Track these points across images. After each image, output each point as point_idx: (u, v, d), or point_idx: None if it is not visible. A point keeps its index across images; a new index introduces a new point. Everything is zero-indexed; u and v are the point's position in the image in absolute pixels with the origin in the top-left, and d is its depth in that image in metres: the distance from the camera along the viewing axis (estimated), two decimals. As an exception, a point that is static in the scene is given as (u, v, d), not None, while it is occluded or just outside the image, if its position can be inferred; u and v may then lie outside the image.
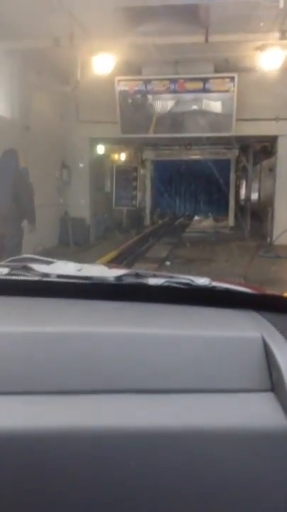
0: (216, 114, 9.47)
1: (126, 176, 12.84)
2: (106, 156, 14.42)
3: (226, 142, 12.56)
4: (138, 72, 9.46)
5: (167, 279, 0.93)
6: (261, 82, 9.75)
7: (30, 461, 0.65)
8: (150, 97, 9.45)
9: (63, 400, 0.68)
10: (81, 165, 10.68)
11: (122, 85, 9.39)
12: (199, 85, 9.09)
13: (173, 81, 9.14)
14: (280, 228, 10.24)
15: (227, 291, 0.94)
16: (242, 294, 0.96)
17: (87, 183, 11.00)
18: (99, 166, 14.42)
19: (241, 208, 14.78)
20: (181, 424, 0.67)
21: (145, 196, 15.02)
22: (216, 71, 9.27)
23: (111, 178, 13.18)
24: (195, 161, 14.90)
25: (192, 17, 6.65)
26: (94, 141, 11.11)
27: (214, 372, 0.72)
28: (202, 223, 16.89)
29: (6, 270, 0.97)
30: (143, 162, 14.78)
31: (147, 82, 9.26)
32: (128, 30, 7.45)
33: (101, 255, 8.68)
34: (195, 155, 14.60)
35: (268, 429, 0.68)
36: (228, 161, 14.41)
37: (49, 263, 1.02)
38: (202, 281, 0.92)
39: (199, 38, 6.89)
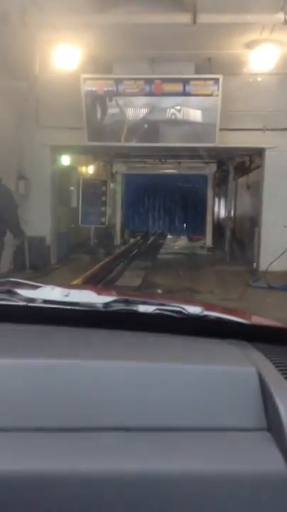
0: (197, 121, 8.28)
1: (94, 190, 11.50)
2: (72, 167, 13.07)
3: (204, 156, 11.45)
4: (109, 70, 8.18)
5: (157, 307, 0.90)
6: (247, 87, 8.69)
7: (16, 506, 0.60)
8: (121, 99, 8.16)
9: (47, 437, 0.65)
10: (41, 176, 9.25)
11: (89, 85, 8.08)
12: (179, 87, 7.89)
13: (149, 81, 7.90)
14: (268, 251, 9.08)
15: (219, 320, 0.91)
16: (235, 323, 0.92)
17: (49, 197, 9.57)
18: (64, 178, 13.01)
19: (219, 228, 13.66)
20: (173, 466, 0.63)
21: (115, 212, 13.69)
22: (197, 72, 8.10)
23: (78, 192, 11.81)
24: (170, 176, 13.73)
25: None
26: (57, 150, 9.72)
27: (207, 409, 0.69)
28: (177, 242, 15.68)
29: None
30: (113, 175, 13.49)
31: (118, 81, 7.98)
32: (98, 12, 6.18)
33: (62, 282, 7.25)
34: (169, 169, 13.42)
35: (264, 473, 0.63)
36: (205, 176, 13.30)
37: (35, 287, 0.99)
38: (194, 309, 0.89)
39: (186, 19, 5.66)
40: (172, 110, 8.18)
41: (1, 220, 5.57)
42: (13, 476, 0.60)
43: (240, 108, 8.66)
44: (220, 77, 7.77)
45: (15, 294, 0.93)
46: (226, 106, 8.23)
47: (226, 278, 8.23)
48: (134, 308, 0.89)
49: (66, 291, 0.95)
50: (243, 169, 12.48)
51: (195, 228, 14.59)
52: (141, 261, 10.99)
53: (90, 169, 13.23)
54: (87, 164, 13.12)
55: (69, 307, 0.89)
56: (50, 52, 7.56)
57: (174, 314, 0.88)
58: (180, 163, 12.78)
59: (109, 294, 1.04)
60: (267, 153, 8.99)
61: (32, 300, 0.91)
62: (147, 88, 7.91)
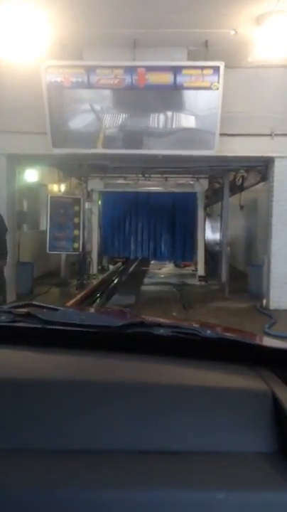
0: (192, 123, 6.56)
1: (65, 210, 9.62)
2: (41, 184, 11.25)
3: (194, 171, 9.75)
4: (78, 56, 6.43)
5: (173, 329, 0.91)
6: (252, 82, 7.05)
7: None
8: (95, 93, 6.39)
9: (62, 458, 0.64)
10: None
11: (53, 74, 6.29)
12: (169, 78, 6.17)
13: (130, 70, 6.16)
14: (279, 285, 7.32)
15: (234, 343, 0.91)
16: (250, 346, 0.91)
17: (5, 219, 7.61)
18: (30, 197, 11.20)
19: (212, 254, 11.89)
20: (183, 490, 0.61)
21: (91, 237, 11.81)
22: (190, 60, 6.41)
23: (46, 213, 9.94)
24: (155, 194, 11.98)
25: None
26: (17, 161, 7.84)
27: (220, 431, 0.69)
28: (162, 269, 13.83)
29: (9, 316, 0.97)
30: (88, 194, 11.66)
31: (90, 69, 6.22)
32: None
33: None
34: (154, 186, 11.68)
35: (278, 498, 0.61)
36: (195, 194, 11.58)
37: (53, 310, 1.03)
38: (209, 332, 0.91)
39: None
40: (160, 107, 6.44)
41: None
42: (23, 498, 0.58)
43: (243, 108, 7.00)
44: (221, 64, 6.08)
45: (35, 316, 0.95)
46: (225, 106, 6.55)
47: (232, 321, 6.38)
48: (150, 330, 0.90)
49: (83, 313, 1.06)
50: (234, 187, 10.85)
51: (184, 254, 12.79)
52: (122, 295, 9.08)
53: (63, 187, 11.41)
54: (59, 181, 11.30)
55: (87, 329, 0.91)
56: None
57: (189, 337, 0.89)
58: (166, 178, 11.06)
59: (125, 317, 1.16)
60: (277, 163, 7.30)
61: (50, 323, 0.92)
62: (127, 79, 6.16)
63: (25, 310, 1.00)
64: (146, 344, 0.88)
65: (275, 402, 0.70)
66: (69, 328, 0.90)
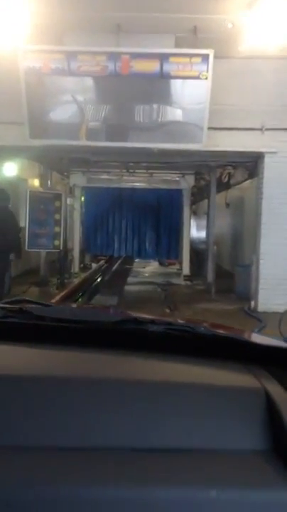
0: (179, 114, 6.21)
1: (45, 206, 9.18)
2: (21, 179, 10.77)
3: (180, 166, 9.42)
4: (58, 41, 6.01)
5: (166, 326, 0.91)
6: (242, 74, 6.73)
7: None
8: (78, 82, 5.99)
9: (54, 456, 0.63)
10: None
11: (31, 60, 5.86)
12: (155, 66, 5.80)
13: (113, 56, 5.77)
14: (268, 286, 7.04)
15: (227, 340, 0.91)
16: (243, 343, 0.91)
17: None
18: (9, 192, 10.70)
19: (197, 253, 11.58)
20: (173, 489, 0.60)
21: (73, 234, 11.39)
22: (177, 48, 6.05)
23: (25, 208, 9.48)
24: (140, 190, 11.60)
25: None
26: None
27: (212, 429, 0.68)
28: (147, 268, 13.50)
29: (1, 312, 0.96)
30: (70, 189, 11.23)
31: (71, 55, 5.81)
32: None
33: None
34: (138, 182, 11.31)
35: (271, 496, 0.60)
36: (180, 191, 11.25)
37: (45, 306, 1.03)
38: (202, 329, 0.91)
39: None
40: (146, 99, 6.07)
41: (5, 241, 5.99)
42: (16, 495, 0.58)
43: (232, 101, 6.68)
44: (211, 52, 5.73)
45: (27, 312, 0.94)
46: (214, 98, 6.21)
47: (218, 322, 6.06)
48: (144, 327, 0.89)
49: (76, 310, 1.07)
50: (220, 184, 10.55)
51: (169, 252, 12.48)
52: (104, 295, 8.72)
53: (46, 183, 10.95)
54: (39, 175, 10.84)
55: (80, 325, 0.90)
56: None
57: (183, 334, 0.89)
58: (151, 174, 10.70)
59: (118, 314, 1.14)
60: (267, 159, 7.00)
61: (42, 318, 0.92)
62: (111, 66, 5.77)
63: (17, 306, 0.99)
64: (139, 341, 0.87)
65: (268, 399, 0.70)
66: (62, 324, 0.90)
